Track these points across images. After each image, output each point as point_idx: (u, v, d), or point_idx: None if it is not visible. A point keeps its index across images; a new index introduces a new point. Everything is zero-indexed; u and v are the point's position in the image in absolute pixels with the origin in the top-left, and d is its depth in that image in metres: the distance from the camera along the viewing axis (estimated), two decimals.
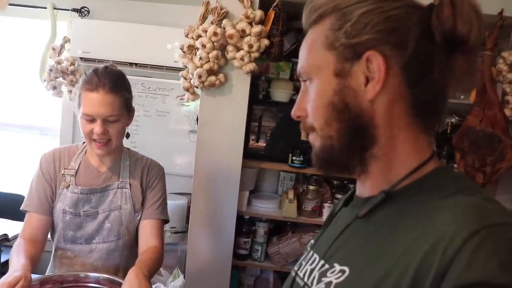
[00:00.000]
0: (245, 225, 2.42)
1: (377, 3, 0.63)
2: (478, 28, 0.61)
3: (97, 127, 1.41)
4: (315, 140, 0.70)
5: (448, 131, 2.42)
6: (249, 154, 2.36)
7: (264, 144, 2.41)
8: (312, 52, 0.68)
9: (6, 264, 1.78)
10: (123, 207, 1.53)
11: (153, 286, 1.26)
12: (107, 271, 1.48)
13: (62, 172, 1.52)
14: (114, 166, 1.57)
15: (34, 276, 1.27)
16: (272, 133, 2.40)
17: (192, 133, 2.98)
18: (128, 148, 1.64)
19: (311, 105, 0.69)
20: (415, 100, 0.64)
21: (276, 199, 2.58)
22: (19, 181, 3.15)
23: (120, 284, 1.27)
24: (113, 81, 1.44)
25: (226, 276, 2.31)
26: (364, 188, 0.71)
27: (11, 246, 1.50)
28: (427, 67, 0.63)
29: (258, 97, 2.46)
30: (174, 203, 2.54)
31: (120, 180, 1.55)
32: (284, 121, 2.38)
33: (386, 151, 0.66)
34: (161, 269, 2.34)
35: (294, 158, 2.32)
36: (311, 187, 2.39)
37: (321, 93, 0.67)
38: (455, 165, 2.16)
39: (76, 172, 1.53)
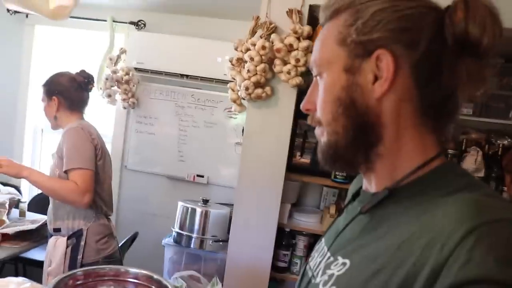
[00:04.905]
0: (285, 237, 2.42)
1: (393, 1, 0.63)
2: (493, 32, 0.59)
3: None
4: (321, 135, 0.72)
5: (499, 153, 2.34)
6: (292, 167, 2.37)
7: (309, 160, 2.42)
8: (325, 47, 0.69)
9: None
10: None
11: None
12: None
13: None
14: None
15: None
16: (316, 148, 2.40)
17: (238, 145, 3.01)
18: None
19: (319, 99, 0.70)
20: (424, 101, 0.64)
21: (318, 213, 2.58)
22: None
23: (158, 281, 1.31)
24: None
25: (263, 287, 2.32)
26: (370, 184, 0.72)
27: None
28: (436, 69, 0.62)
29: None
30: (217, 212, 2.58)
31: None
32: None
33: (392, 150, 0.66)
34: (200, 276, 2.39)
35: (337, 173, 2.31)
36: None
37: (330, 88, 0.67)
38: (505, 188, 2.09)
39: None
